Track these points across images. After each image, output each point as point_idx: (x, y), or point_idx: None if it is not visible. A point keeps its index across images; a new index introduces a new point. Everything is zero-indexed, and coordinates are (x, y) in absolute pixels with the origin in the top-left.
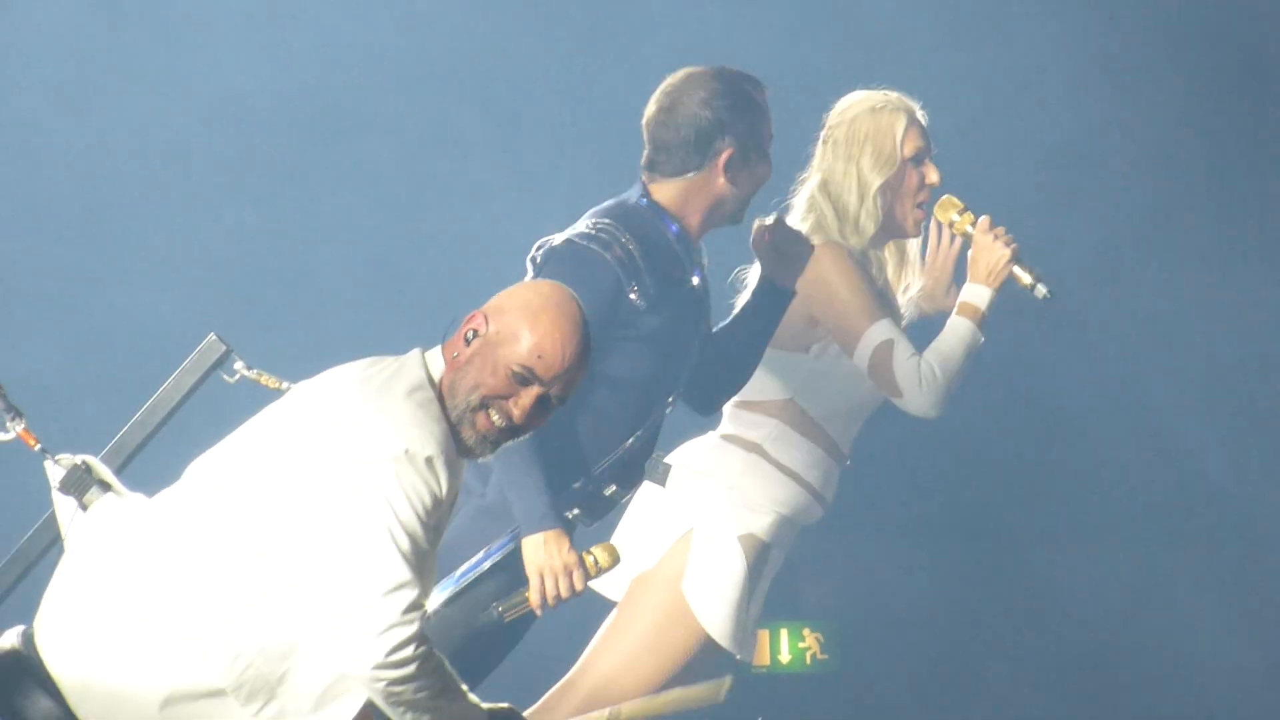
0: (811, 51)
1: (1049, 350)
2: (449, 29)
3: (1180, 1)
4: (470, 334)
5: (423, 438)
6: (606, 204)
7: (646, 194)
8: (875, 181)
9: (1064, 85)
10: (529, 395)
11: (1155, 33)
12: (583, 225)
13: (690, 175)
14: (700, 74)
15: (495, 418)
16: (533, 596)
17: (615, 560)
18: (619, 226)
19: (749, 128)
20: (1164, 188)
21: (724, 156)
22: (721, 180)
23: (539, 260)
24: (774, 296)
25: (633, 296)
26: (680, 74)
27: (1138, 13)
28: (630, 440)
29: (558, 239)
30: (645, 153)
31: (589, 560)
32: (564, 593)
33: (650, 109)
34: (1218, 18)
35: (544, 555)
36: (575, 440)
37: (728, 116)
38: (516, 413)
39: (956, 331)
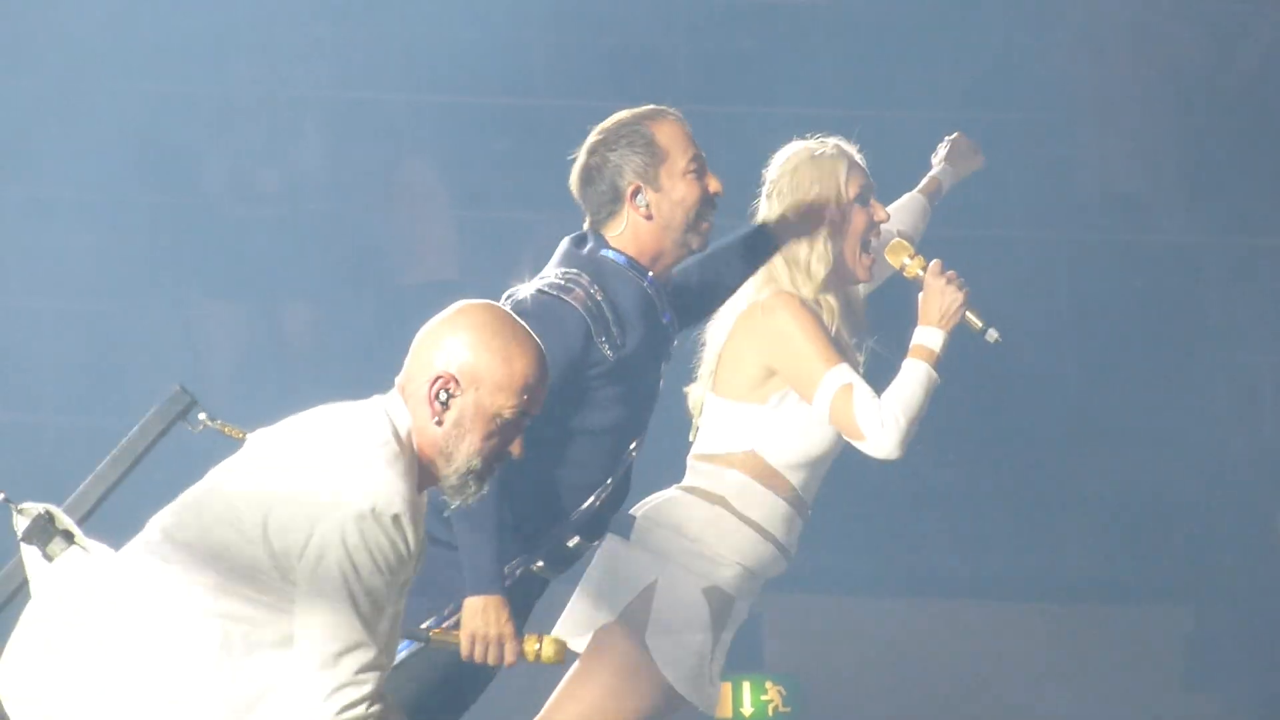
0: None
1: (1002, 392)
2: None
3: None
4: (441, 394)
5: (389, 495)
6: (571, 249)
7: (606, 243)
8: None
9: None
10: (522, 428)
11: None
12: (551, 275)
13: (621, 220)
14: (599, 130)
15: (496, 466)
16: (462, 651)
17: (559, 657)
18: (588, 277)
19: (642, 159)
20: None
21: (630, 195)
22: (640, 218)
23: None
24: None
25: (603, 345)
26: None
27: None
28: (599, 489)
29: (525, 290)
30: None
31: (531, 646)
32: (491, 660)
33: (570, 176)
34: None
35: (480, 621)
36: (542, 492)
37: (616, 158)
38: (516, 450)
39: (914, 373)
